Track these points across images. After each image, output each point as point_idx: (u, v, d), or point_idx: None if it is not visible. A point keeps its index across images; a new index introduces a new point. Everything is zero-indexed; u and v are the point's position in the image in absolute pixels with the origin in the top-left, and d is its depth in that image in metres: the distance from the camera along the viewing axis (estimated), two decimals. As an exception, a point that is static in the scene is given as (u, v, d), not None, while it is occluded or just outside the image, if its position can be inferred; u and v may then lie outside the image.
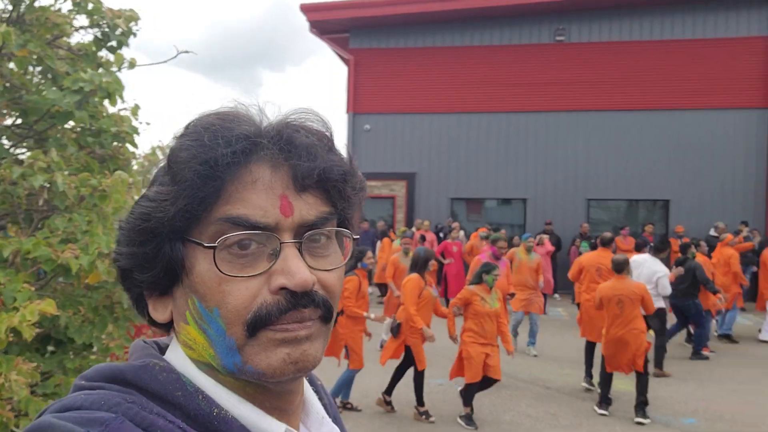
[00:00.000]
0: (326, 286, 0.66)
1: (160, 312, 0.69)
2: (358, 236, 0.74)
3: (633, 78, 15.16)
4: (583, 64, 15.41)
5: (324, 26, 16.27)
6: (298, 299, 0.63)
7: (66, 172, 2.52)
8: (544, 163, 15.58)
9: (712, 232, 12.59)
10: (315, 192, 0.66)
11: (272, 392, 0.67)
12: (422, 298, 5.81)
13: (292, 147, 0.65)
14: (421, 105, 16.08)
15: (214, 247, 0.62)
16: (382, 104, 16.24)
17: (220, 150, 0.62)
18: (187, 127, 0.67)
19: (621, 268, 6.11)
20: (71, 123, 2.72)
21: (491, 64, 15.79)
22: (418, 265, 5.91)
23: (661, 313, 7.35)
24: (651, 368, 6.73)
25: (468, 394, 5.79)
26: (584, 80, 15.40)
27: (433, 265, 6.14)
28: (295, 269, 0.62)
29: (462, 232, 13.48)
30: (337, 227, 0.70)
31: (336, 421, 0.80)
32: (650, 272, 7.38)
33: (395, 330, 5.87)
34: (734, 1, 14.86)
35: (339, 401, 6.01)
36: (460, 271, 12.21)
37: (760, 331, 9.99)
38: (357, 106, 16.38)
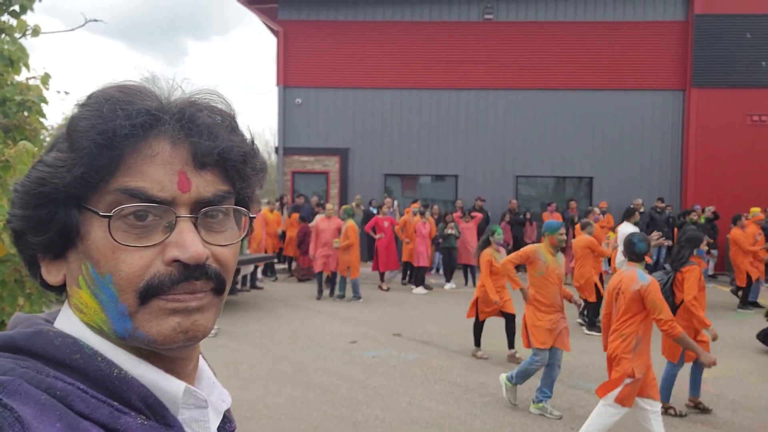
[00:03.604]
0: (220, 261, 0.68)
1: (52, 275, 0.69)
2: (254, 215, 0.76)
3: (559, 58, 15.58)
4: (511, 43, 15.69)
5: (252, -5, 15.78)
6: (190, 271, 0.65)
7: (-36, 142, 2.31)
8: (474, 140, 15.85)
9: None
10: (214, 170, 0.68)
11: (165, 357, 0.69)
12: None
13: (194, 125, 0.66)
14: (353, 80, 15.92)
15: (109, 217, 0.63)
16: (314, 78, 15.97)
17: (118, 122, 0.63)
18: (89, 98, 0.67)
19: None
20: (-30, 89, 2.50)
21: (420, 40, 15.81)
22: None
23: None
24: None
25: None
26: (512, 59, 15.69)
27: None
28: (189, 243, 0.64)
29: (396, 207, 13.60)
30: (237, 205, 0.72)
31: None
32: None
33: None
34: (655, -14, 15.51)
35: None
36: (390, 244, 12.35)
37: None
38: (287, 78, 16.02)
